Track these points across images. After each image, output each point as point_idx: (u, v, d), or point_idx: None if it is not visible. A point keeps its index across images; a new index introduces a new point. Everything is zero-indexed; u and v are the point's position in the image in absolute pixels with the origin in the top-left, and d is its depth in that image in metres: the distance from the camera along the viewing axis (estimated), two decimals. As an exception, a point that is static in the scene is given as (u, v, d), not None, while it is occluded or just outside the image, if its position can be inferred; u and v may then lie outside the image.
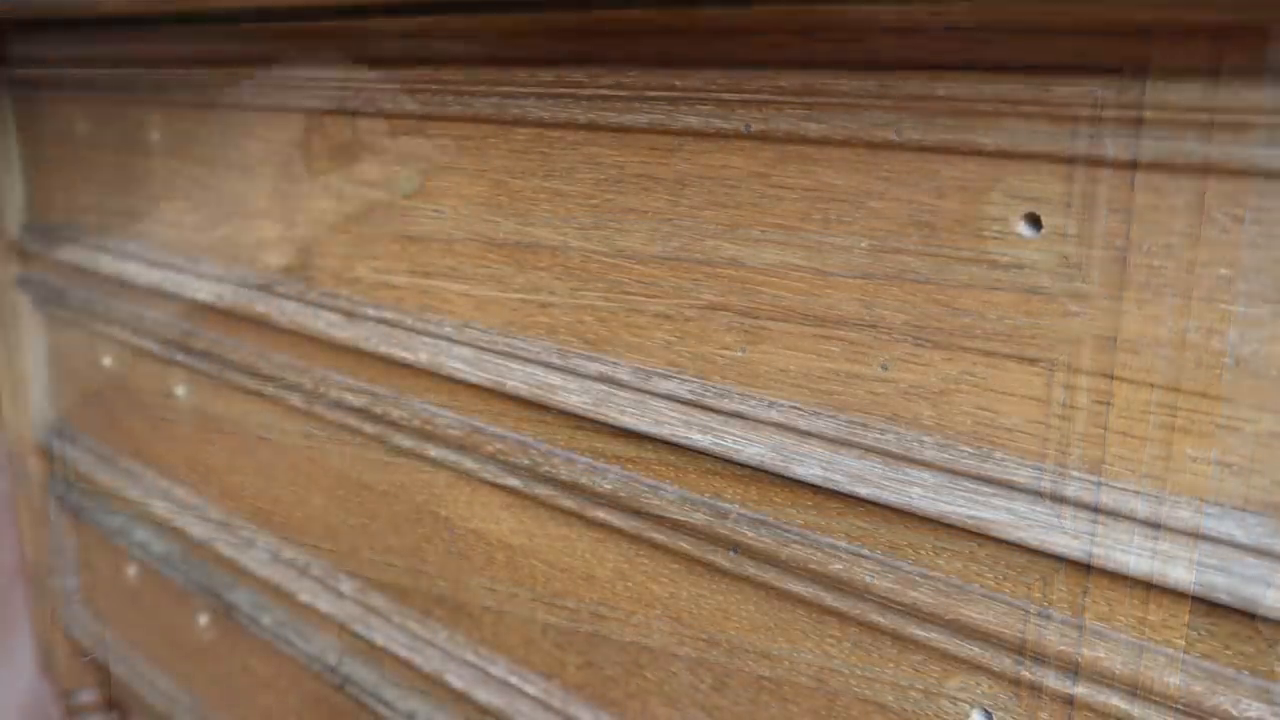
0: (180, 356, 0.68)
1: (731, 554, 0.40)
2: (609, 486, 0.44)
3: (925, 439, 0.33)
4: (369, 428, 0.55)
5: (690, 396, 0.39)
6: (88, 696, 0.96)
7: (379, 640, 0.57)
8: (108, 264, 0.71)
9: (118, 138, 0.69)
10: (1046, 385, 0.31)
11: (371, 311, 0.52)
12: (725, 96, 0.36)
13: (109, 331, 0.75)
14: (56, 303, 0.82)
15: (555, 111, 0.41)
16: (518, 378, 0.45)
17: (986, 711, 0.34)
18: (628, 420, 0.41)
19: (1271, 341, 0.27)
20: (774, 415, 0.37)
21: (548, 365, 0.44)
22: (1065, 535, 0.31)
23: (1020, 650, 0.33)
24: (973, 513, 0.32)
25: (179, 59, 0.61)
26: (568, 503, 0.46)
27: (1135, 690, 0.31)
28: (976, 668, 0.34)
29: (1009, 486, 0.32)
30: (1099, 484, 0.30)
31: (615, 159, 0.40)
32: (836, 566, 0.37)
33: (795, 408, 0.37)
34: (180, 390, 0.70)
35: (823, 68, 0.33)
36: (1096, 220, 0.29)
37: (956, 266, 0.32)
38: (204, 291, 0.62)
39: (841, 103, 0.33)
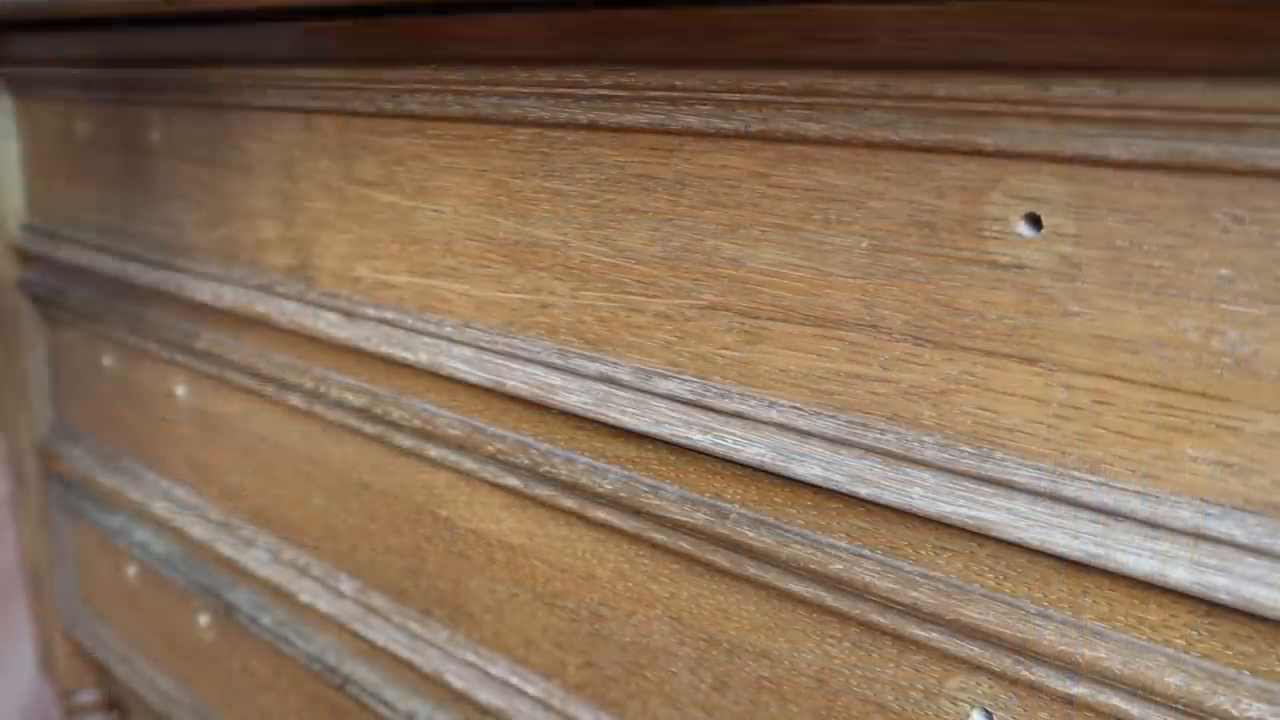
0: (180, 356, 0.68)
1: (733, 554, 0.40)
2: (609, 486, 0.44)
3: (925, 439, 0.33)
4: (369, 428, 0.55)
5: (690, 396, 0.39)
6: (88, 696, 0.96)
7: (379, 640, 0.58)
8: (108, 264, 0.71)
9: (118, 138, 0.69)
10: (1046, 385, 0.31)
11: (372, 311, 0.52)
12: (725, 96, 0.36)
13: (109, 332, 0.75)
14: (56, 303, 0.82)
15: (555, 111, 0.41)
16: (518, 378, 0.45)
17: (987, 711, 0.34)
18: (628, 420, 0.41)
19: (1271, 341, 0.27)
20: (774, 415, 0.37)
21: (548, 365, 0.44)
22: (1065, 535, 0.31)
23: (1020, 650, 0.33)
24: (973, 513, 0.32)
25: (179, 59, 0.61)
26: (568, 503, 0.46)
27: (1135, 690, 0.31)
28: (977, 668, 0.34)
29: (1009, 486, 0.32)
30: (1099, 484, 0.30)
31: (615, 159, 0.40)
32: (837, 566, 0.37)
33: (795, 408, 0.37)
34: (180, 390, 0.70)
35: (823, 68, 0.33)
36: (1096, 220, 0.29)
37: (957, 266, 0.32)
38: (204, 291, 0.62)
39: (841, 103, 0.33)
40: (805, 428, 0.36)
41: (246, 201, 0.59)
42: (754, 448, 0.37)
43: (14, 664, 1.01)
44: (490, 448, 0.48)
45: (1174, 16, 0.26)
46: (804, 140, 0.34)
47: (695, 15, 0.36)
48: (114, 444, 0.80)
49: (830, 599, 0.37)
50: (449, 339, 0.48)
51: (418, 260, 0.50)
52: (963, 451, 0.33)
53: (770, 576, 0.39)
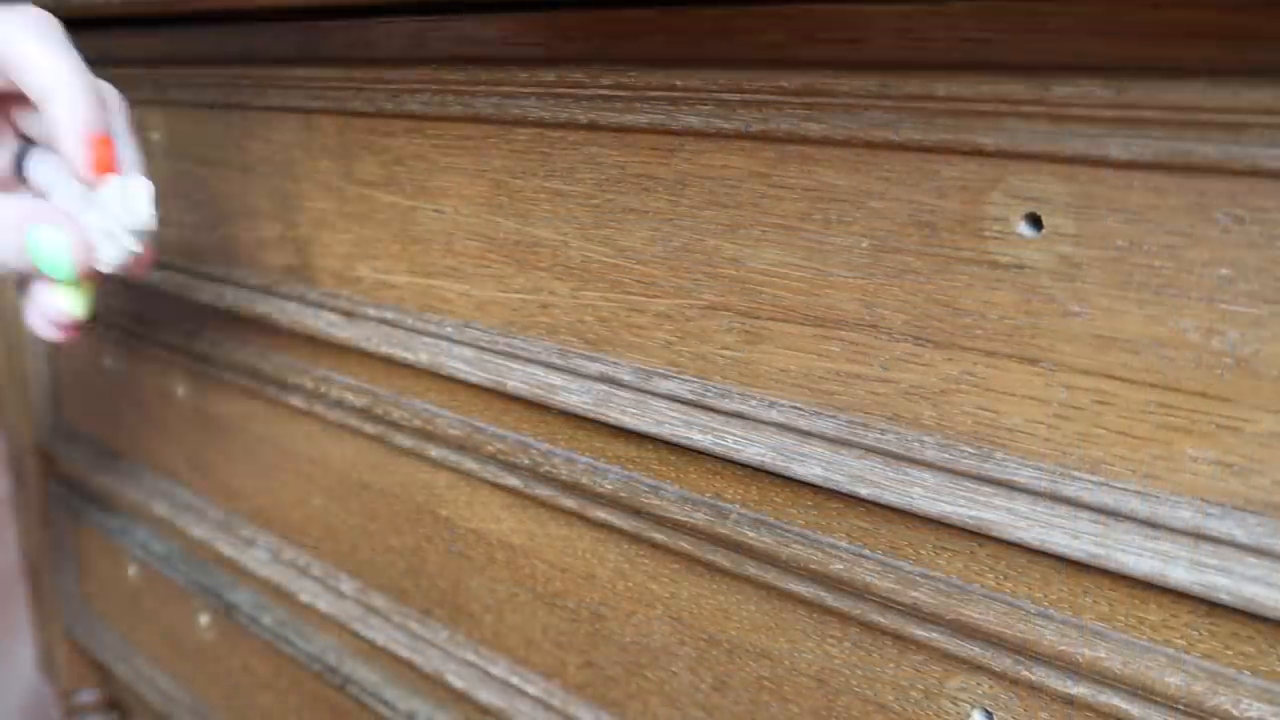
0: (180, 356, 0.68)
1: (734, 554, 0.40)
2: (610, 486, 0.44)
3: (926, 439, 0.33)
4: (369, 428, 0.55)
5: (691, 396, 0.39)
6: (88, 696, 0.96)
7: (379, 640, 0.58)
8: (108, 264, 0.71)
9: (118, 138, 0.69)
10: (1047, 385, 0.31)
11: (372, 311, 0.52)
12: (726, 96, 0.36)
13: (109, 332, 0.75)
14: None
15: (556, 111, 0.41)
16: (518, 378, 0.45)
17: (987, 711, 0.34)
18: (628, 420, 0.41)
19: (1272, 341, 0.27)
20: (774, 415, 0.37)
21: (548, 365, 0.44)
22: (1065, 535, 0.31)
23: (1021, 650, 0.33)
24: (973, 513, 0.32)
25: (179, 59, 0.61)
26: (568, 503, 0.46)
27: (1136, 690, 0.31)
28: (977, 668, 0.34)
29: (1009, 486, 0.32)
30: (1099, 484, 0.30)
31: (616, 159, 0.40)
32: (837, 566, 0.37)
33: (796, 408, 0.37)
34: (180, 390, 0.70)
35: (823, 68, 0.33)
36: (1097, 220, 0.29)
37: (957, 266, 0.32)
38: (205, 292, 0.62)
39: (841, 103, 0.33)
40: (806, 428, 0.36)
41: (246, 201, 0.59)
42: (754, 448, 0.37)
43: (14, 664, 1.01)
44: (491, 448, 0.48)
45: (1174, 16, 0.26)
46: (804, 140, 0.34)
47: (695, 15, 0.36)
48: (114, 444, 0.80)
49: (830, 599, 0.37)
50: (449, 339, 0.48)
51: (418, 260, 0.50)
52: (963, 451, 0.33)
53: (770, 576, 0.39)
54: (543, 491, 0.47)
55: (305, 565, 0.62)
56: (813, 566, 0.37)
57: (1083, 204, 0.29)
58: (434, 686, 0.55)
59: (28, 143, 0.47)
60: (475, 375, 0.47)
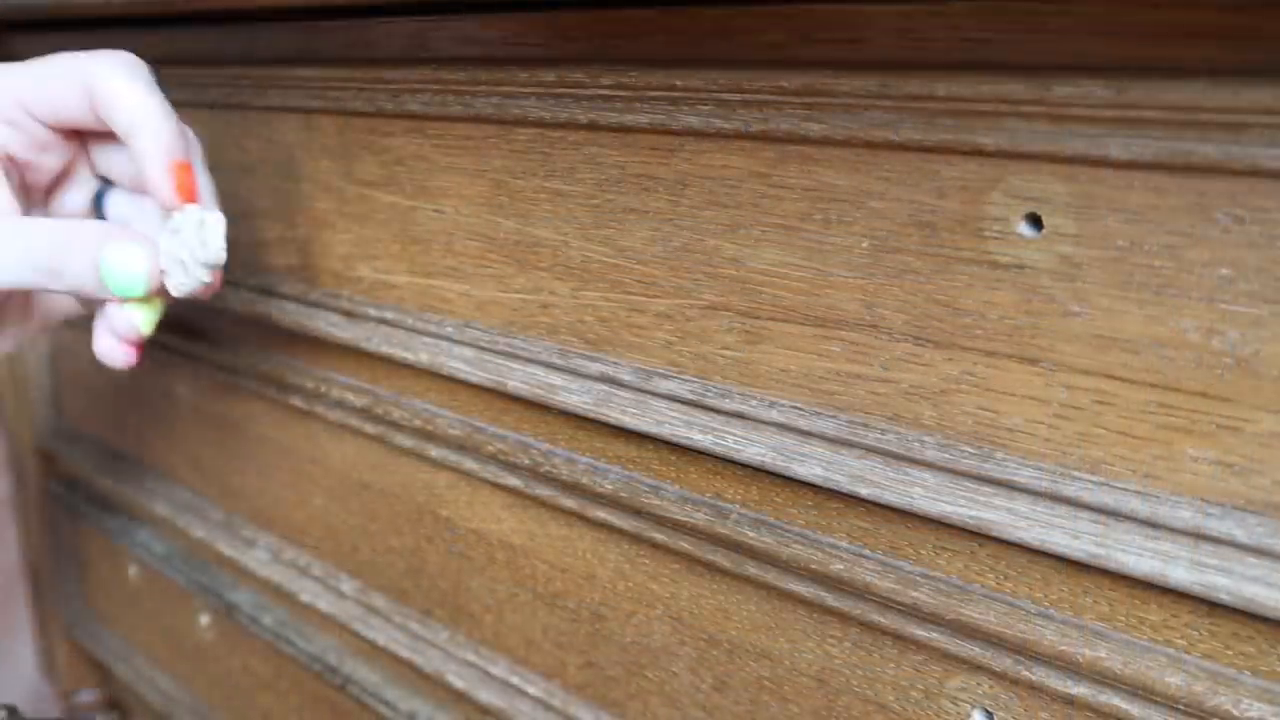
0: (180, 357, 0.68)
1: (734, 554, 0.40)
2: (610, 486, 0.44)
3: (926, 439, 0.33)
4: (370, 428, 0.55)
5: (691, 397, 0.39)
6: (88, 696, 0.96)
7: (380, 640, 0.58)
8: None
9: (118, 138, 0.69)
10: (1047, 385, 0.31)
11: (372, 311, 0.52)
12: (726, 96, 0.36)
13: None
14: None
15: (556, 112, 0.41)
16: (518, 378, 0.45)
17: (987, 711, 0.34)
18: (629, 420, 0.41)
19: (1272, 341, 0.27)
20: (775, 415, 0.37)
21: (549, 365, 0.44)
22: (1066, 535, 0.31)
23: (1021, 650, 0.33)
24: (973, 513, 0.32)
25: (179, 59, 0.61)
26: (569, 503, 0.46)
27: (1136, 690, 0.31)
28: (977, 668, 0.34)
29: (1010, 486, 0.32)
30: (1099, 484, 0.30)
31: (616, 159, 0.40)
32: (837, 566, 0.37)
33: (796, 408, 0.37)
34: (181, 390, 0.70)
35: (823, 68, 0.33)
36: (1097, 220, 0.29)
37: (957, 266, 0.32)
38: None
39: (842, 103, 0.33)
40: (806, 428, 0.36)
41: (246, 201, 0.59)
42: (754, 448, 0.37)
43: (14, 664, 1.01)
44: (491, 448, 0.48)
45: (1174, 16, 0.26)
46: (804, 140, 0.34)
47: (695, 15, 0.36)
48: (114, 444, 0.80)
49: (831, 599, 0.37)
50: (450, 339, 0.48)
51: (418, 260, 0.50)
52: (963, 451, 0.33)
53: (771, 576, 0.39)
54: (543, 491, 0.47)
55: (306, 565, 0.62)
56: (813, 566, 0.37)
57: (1083, 204, 0.29)
58: (434, 687, 0.55)
59: (106, 183, 0.49)
60: (475, 375, 0.47)
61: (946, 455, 0.33)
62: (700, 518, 0.40)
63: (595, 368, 0.43)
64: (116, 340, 0.47)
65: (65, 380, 0.85)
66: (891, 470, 0.34)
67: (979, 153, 0.31)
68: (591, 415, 0.43)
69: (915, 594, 0.35)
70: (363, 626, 0.59)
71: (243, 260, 0.60)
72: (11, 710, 0.49)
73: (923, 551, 0.35)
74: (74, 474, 0.85)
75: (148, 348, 0.49)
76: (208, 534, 0.69)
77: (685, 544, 0.42)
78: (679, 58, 0.37)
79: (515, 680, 0.51)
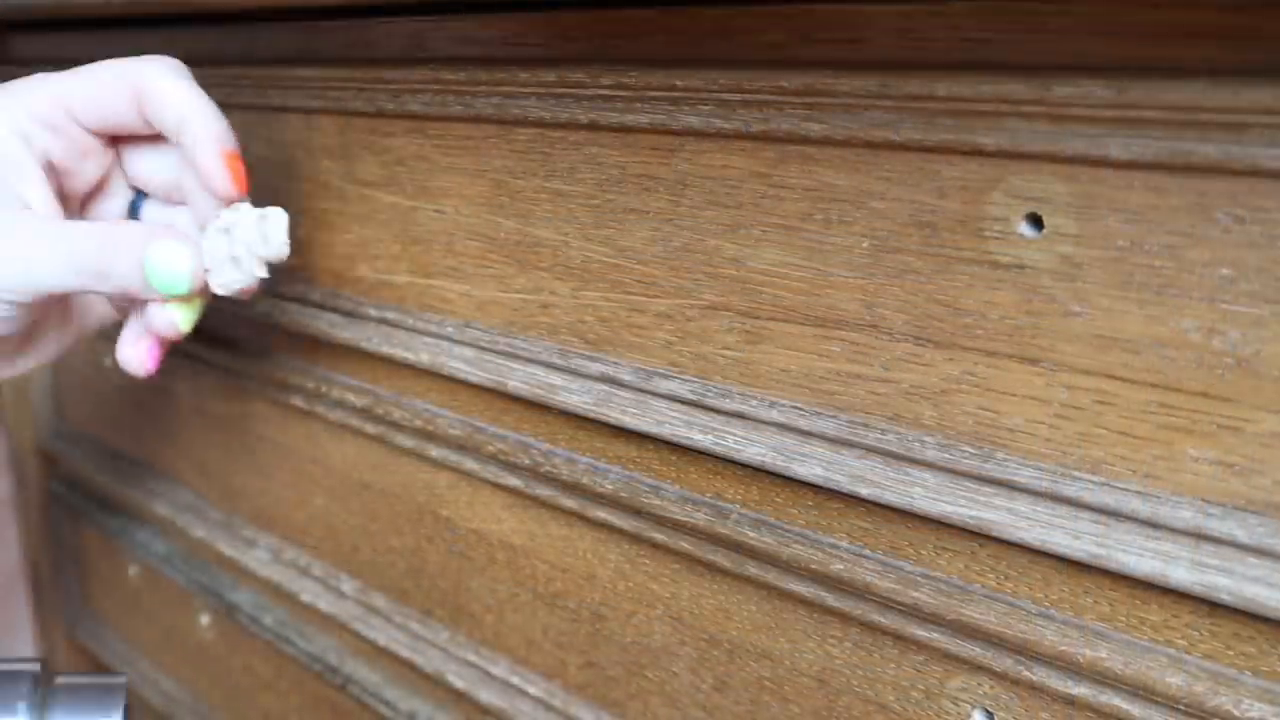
0: (180, 357, 0.68)
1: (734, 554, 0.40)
2: (610, 486, 0.44)
3: (927, 439, 0.33)
4: (370, 428, 0.55)
5: (691, 397, 0.39)
6: (89, 696, 0.95)
7: (380, 640, 0.58)
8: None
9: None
10: (1047, 385, 0.31)
11: (373, 311, 0.52)
12: (726, 96, 0.36)
13: (109, 332, 0.75)
14: (57, 303, 0.81)
15: (556, 112, 0.41)
16: (519, 378, 0.45)
17: (988, 712, 0.34)
18: (629, 420, 0.41)
19: (1273, 341, 0.27)
20: (775, 415, 0.37)
21: (549, 365, 0.44)
22: (1066, 535, 0.31)
23: (1021, 650, 0.33)
24: (974, 513, 0.32)
25: (179, 59, 0.61)
26: (569, 503, 0.46)
27: (1137, 690, 0.31)
28: (978, 668, 0.34)
29: (1010, 486, 0.32)
30: (1100, 484, 0.30)
31: (616, 159, 0.40)
32: (838, 566, 0.37)
33: (796, 408, 0.37)
34: (181, 390, 0.70)
35: (823, 68, 0.33)
36: (1097, 220, 0.29)
37: (958, 266, 0.32)
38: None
39: (842, 103, 0.33)
40: (806, 428, 0.36)
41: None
42: (755, 448, 0.37)
43: (15, 664, 1.01)
44: (491, 448, 0.48)
45: (1174, 16, 0.26)
46: (805, 140, 0.34)
47: (695, 15, 0.36)
48: (115, 444, 0.80)
49: (831, 599, 0.37)
50: (450, 339, 0.49)
51: (419, 260, 0.50)
52: (964, 452, 0.33)
53: (771, 576, 0.39)
54: (543, 492, 0.47)
55: (306, 565, 0.62)
56: (813, 566, 0.37)
57: (1083, 204, 0.29)
58: (435, 687, 0.55)
59: (140, 194, 0.50)
60: (476, 375, 0.47)
61: (947, 455, 0.33)
62: (701, 518, 0.40)
63: (595, 368, 0.43)
64: (143, 346, 0.48)
65: (66, 381, 0.85)
66: (892, 470, 0.34)
67: (979, 153, 0.31)
68: (592, 415, 0.43)
69: (916, 594, 0.35)
70: (363, 626, 0.59)
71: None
72: (43, 663, 0.50)
73: (923, 552, 0.35)
74: (75, 474, 0.85)
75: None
76: (208, 534, 0.69)
77: (686, 544, 0.42)
78: (679, 58, 0.37)
79: (516, 680, 0.51)
